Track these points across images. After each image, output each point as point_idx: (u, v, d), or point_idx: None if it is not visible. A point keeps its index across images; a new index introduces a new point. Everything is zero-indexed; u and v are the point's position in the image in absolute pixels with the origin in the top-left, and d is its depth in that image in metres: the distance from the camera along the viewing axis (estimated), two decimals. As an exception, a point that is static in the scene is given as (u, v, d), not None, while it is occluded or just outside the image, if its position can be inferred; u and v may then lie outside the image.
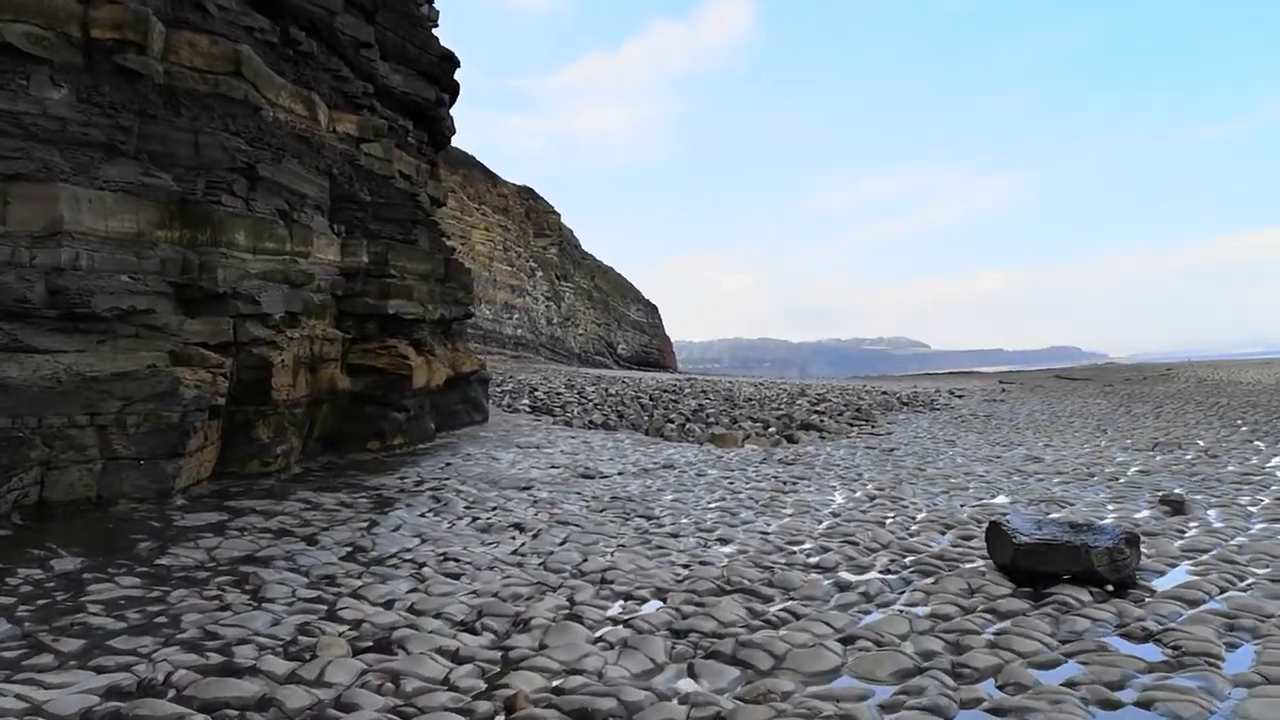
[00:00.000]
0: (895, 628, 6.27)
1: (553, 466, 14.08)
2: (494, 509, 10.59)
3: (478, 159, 79.35)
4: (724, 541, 9.21)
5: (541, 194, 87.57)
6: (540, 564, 8.20)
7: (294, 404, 12.31)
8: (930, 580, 7.59)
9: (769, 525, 10.03)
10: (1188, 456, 15.69)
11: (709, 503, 11.42)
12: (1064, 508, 10.85)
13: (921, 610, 6.79)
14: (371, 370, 14.78)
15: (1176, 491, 11.27)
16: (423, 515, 10.11)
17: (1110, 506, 10.86)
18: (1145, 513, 10.48)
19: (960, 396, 36.51)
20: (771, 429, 21.95)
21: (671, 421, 22.59)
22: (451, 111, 21.32)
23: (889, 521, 10.13)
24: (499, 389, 29.75)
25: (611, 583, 7.53)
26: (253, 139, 12.08)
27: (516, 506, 10.79)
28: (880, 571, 7.99)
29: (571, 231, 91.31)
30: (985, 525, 8.56)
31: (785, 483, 13.10)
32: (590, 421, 22.12)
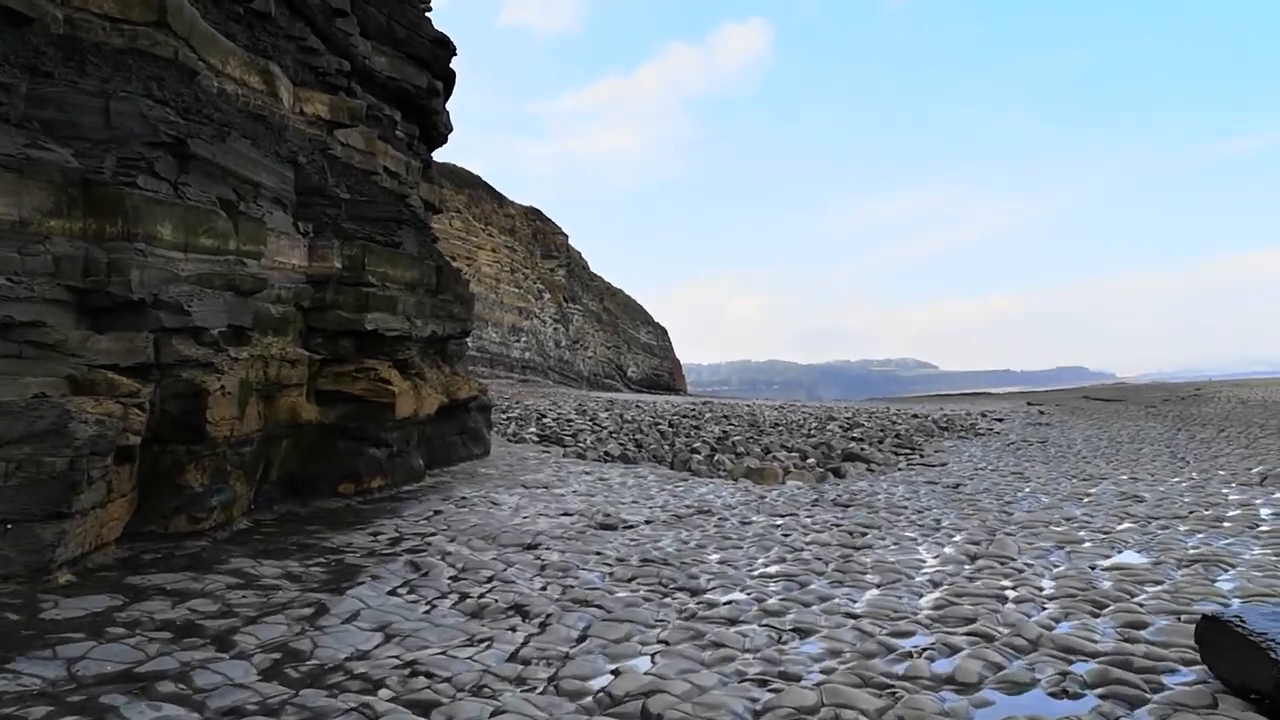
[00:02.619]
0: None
1: (565, 514, 11.53)
2: (489, 580, 8.02)
3: (484, 180, 77.46)
4: (802, 634, 6.63)
5: (549, 216, 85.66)
6: (550, 682, 5.65)
7: (240, 441, 9.80)
8: (1148, 716, 5.04)
9: (854, 602, 7.46)
10: (1316, 492, 13.11)
11: (766, 565, 8.87)
12: (1229, 570, 8.28)
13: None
14: (346, 398, 12.27)
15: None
16: (393, 592, 7.55)
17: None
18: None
19: (1000, 420, 33.86)
20: (811, 459, 19.40)
21: (697, 452, 20.05)
22: (448, 107, 18.98)
23: (1011, 595, 7.56)
24: (504, 415, 27.24)
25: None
26: (186, 110, 9.62)
27: (519, 575, 8.23)
28: (1049, 691, 5.43)
29: (580, 253, 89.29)
30: (1186, 618, 6.03)
31: (851, 533, 10.55)
32: (606, 453, 19.56)
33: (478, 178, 76.60)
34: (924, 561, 8.99)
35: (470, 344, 64.24)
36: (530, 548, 9.45)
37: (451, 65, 18.07)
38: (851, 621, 6.86)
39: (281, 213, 11.55)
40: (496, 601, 7.34)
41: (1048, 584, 7.94)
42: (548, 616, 6.96)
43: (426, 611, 7.06)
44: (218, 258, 9.70)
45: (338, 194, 12.71)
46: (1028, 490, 14.33)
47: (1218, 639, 5.36)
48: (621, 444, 21.59)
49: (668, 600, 7.50)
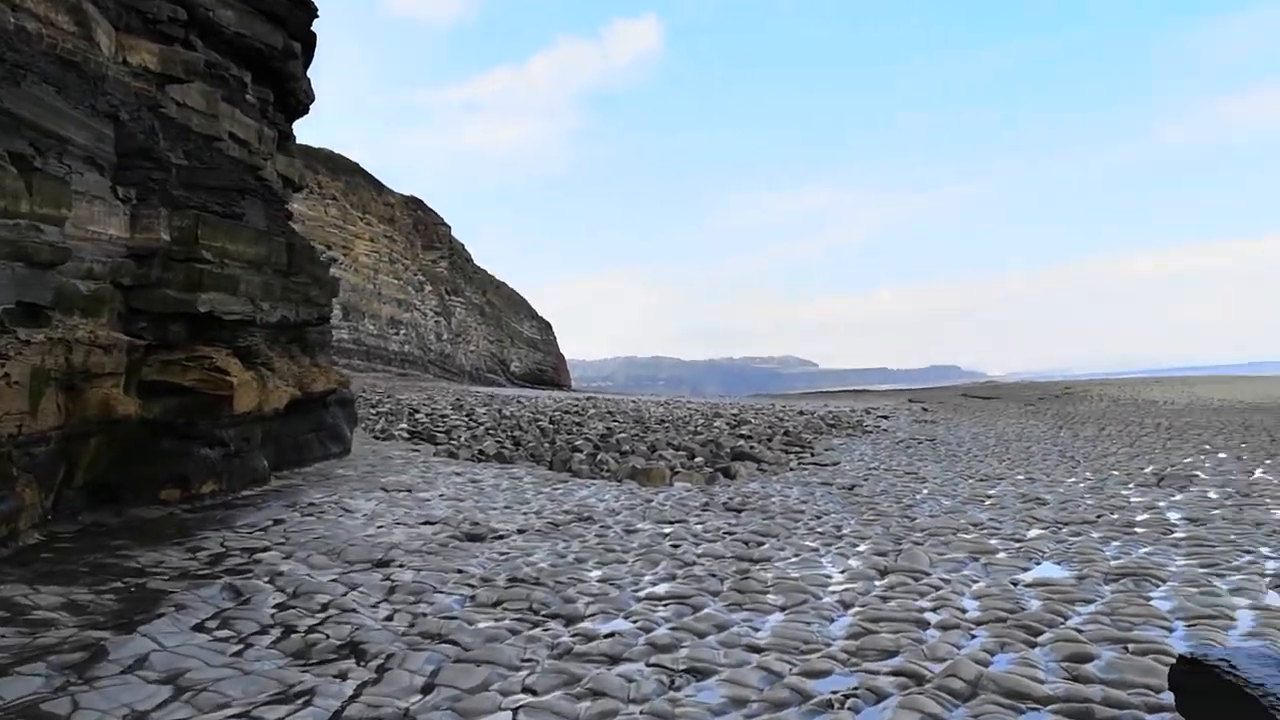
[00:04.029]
0: None
1: (427, 522, 10.21)
2: (323, 608, 6.67)
3: (363, 168, 74.88)
4: (699, 674, 5.50)
5: (432, 206, 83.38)
6: (378, 753, 4.40)
7: (32, 440, 8.20)
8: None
9: (757, 631, 6.38)
10: (1211, 494, 12.63)
11: (653, 583, 7.74)
12: (1160, 585, 7.48)
13: None
14: (174, 390, 10.68)
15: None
16: (200, 627, 6.15)
17: (1237, 596, 7.42)
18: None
19: (886, 417, 33.57)
20: (699, 459, 18.40)
21: (579, 450, 18.84)
22: (310, 75, 17.35)
23: (933, 620, 6.57)
24: (373, 411, 25.59)
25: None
26: (-36, 42, 7.99)
27: (361, 601, 6.90)
28: (1001, 751, 4.43)
29: (463, 245, 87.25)
30: (1134, 649, 5.12)
31: (746, 543, 9.51)
32: (480, 452, 18.19)
33: (356, 164, 73.94)
34: (830, 577, 7.97)
35: (346, 336, 61.85)
36: (381, 565, 8.12)
37: (313, 29, 16.48)
38: (756, 657, 5.76)
39: (96, 175, 9.92)
40: (328, 637, 6.02)
41: (970, 604, 7.00)
42: (388, 658, 5.67)
43: (237, 653, 5.70)
44: (4, 221, 8.09)
45: (168, 158, 11.09)
46: (926, 492, 13.56)
47: (1199, 687, 4.41)
48: (499, 441, 20.25)
49: (537, 632, 6.28)
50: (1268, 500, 11.75)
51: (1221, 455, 18.07)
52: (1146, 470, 15.80)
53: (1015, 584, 7.60)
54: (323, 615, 6.52)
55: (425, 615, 6.58)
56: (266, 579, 7.34)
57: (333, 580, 7.44)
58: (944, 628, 6.36)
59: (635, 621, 6.53)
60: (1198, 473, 15.04)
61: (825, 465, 18.03)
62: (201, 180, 11.60)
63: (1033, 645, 5.97)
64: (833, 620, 6.65)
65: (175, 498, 10.24)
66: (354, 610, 6.65)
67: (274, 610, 6.60)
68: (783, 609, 6.93)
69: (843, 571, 8.17)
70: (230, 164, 12.68)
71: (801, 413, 34.83)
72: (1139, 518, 10.82)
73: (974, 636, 6.17)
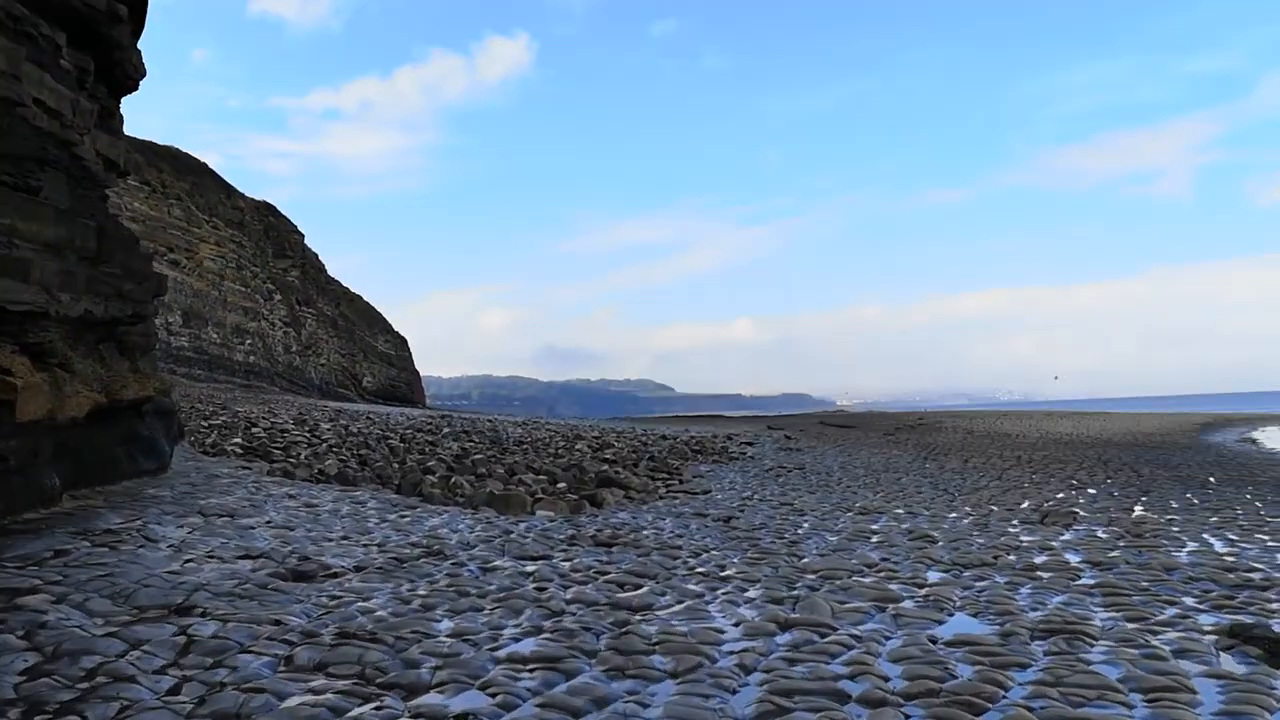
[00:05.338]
0: None
1: (246, 555, 8.64)
2: (88, 676, 5.14)
3: (212, 169, 71.38)
4: (578, 777, 4.28)
5: (285, 214, 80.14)
6: None
7: None
8: None
9: (644, 706, 5.17)
10: (1099, 533, 12.10)
11: (516, 638, 6.46)
12: (1094, 644, 6.61)
13: None
14: (-59, 391, 8.87)
15: (1245, 621, 7.21)
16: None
17: (1185, 660, 6.57)
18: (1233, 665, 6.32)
19: (751, 444, 32.96)
20: (561, 484, 17.14)
21: (431, 473, 17.33)
22: (140, 47, 15.48)
23: (854, 693, 5.48)
24: (206, 424, 23.43)
25: None
26: None
27: (142, 666, 5.38)
28: None
29: (316, 255, 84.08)
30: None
31: (622, 585, 8.32)
32: (320, 471, 16.47)
33: (203, 165, 70.40)
34: (723, 632, 6.83)
35: (187, 343, 58.28)
36: (180, 612, 6.59)
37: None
38: (646, 752, 4.56)
39: None
40: (83, 721, 4.54)
41: (891, 670, 5.94)
42: (161, 757, 4.24)
43: (-54, 748, 4.18)
44: None
45: (-54, 113, 9.28)
46: (808, 526, 12.65)
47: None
48: (342, 460, 18.54)
49: (367, 712, 4.91)
50: (1164, 541, 11.22)
51: (1091, 491, 17.86)
52: (1024, 505, 15.33)
53: (934, 642, 6.61)
54: (85, 686, 5.01)
55: (222, 687, 5.12)
56: (21, 632, 5.74)
57: (110, 634, 5.88)
58: (869, 703, 5.27)
59: (494, 695, 5.22)
60: (1076, 510, 14.59)
61: (696, 494, 17.01)
62: (-9, 146, 9.79)
63: (977, 726, 4.95)
64: (734, 692, 5.48)
65: (-69, 522, 8.42)
66: (130, 679, 5.15)
67: (20, 679, 5.05)
68: (674, 675, 5.73)
69: (736, 624, 7.04)
70: (28, 130, 10.84)
71: (664, 437, 33.96)
72: (1038, 560, 10.09)
73: (907, 717, 5.10)
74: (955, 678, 5.72)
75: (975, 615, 7.49)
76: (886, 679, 5.72)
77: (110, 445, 12.09)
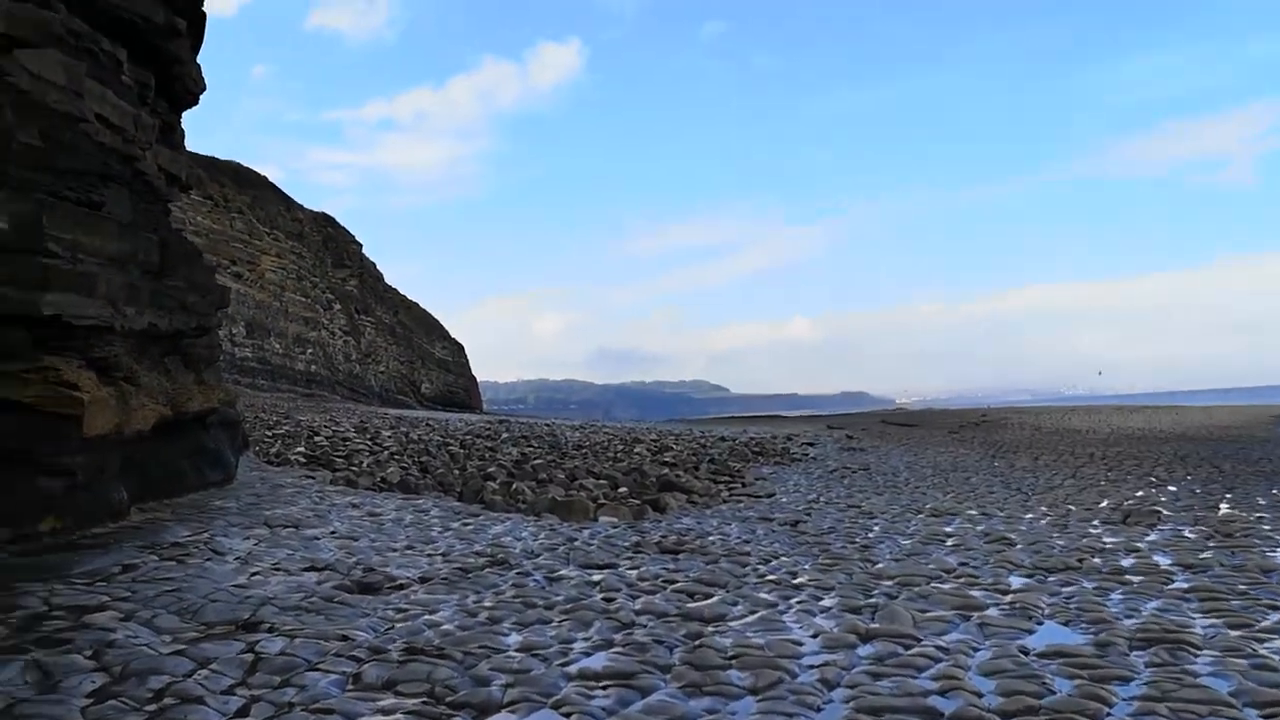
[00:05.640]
0: None
1: (311, 568, 8.58)
2: (156, 698, 5.03)
3: (272, 182, 72.49)
4: (659, 800, 4.08)
5: (343, 224, 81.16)
6: None
7: None
8: None
9: (727, 726, 4.97)
10: (1187, 533, 11.66)
11: (586, 652, 6.28)
12: (1199, 654, 6.27)
13: None
14: (11, 406, 8.91)
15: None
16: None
17: None
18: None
19: (812, 444, 32.56)
20: (623, 488, 16.97)
21: (492, 479, 17.27)
22: (199, 61, 15.62)
23: (948, 712, 5.19)
24: (269, 433, 23.62)
25: None
26: None
27: (209, 686, 5.28)
28: None
29: (374, 264, 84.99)
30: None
31: (692, 595, 8.11)
32: (383, 479, 16.48)
33: (264, 178, 71.48)
34: (801, 644, 6.59)
35: (251, 354, 59.15)
36: (246, 628, 6.51)
37: (203, 8, 14.79)
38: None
39: (-89, 145, 8.17)
40: (148, 750, 4.44)
41: (984, 685, 5.66)
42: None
43: (15, 776, 4.10)
44: None
45: (9, 132, 9.35)
46: (878, 529, 12.35)
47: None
48: (404, 467, 18.54)
49: (439, 739, 4.78)
50: (1256, 541, 10.76)
51: (1172, 488, 17.30)
52: (1103, 504, 14.85)
53: (1026, 653, 6.31)
54: (154, 708, 4.92)
55: (292, 707, 5.02)
56: (89, 652, 5.68)
57: (178, 652, 5.81)
58: (965, 728, 5.01)
59: (568, 715, 5.05)
60: (1159, 508, 14.10)
61: (760, 497, 16.75)
62: (54, 162, 9.85)
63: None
64: (819, 709, 5.25)
65: (4, 538, 8.46)
66: (198, 700, 5.05)
67: (88, 701, 4.97)
68: (753, 692, 5.52)
69: (814, 635, 6.81)
70: (91, 146, 10.91)
71: (723, 438, 33.68)
72: (1125, 562, 9.71)
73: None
74: (1053, 693, 5.43)
75: (1066, 624, 7.17)
76: (980, 694, 5.45)
77: (176, 458, 12.15)
